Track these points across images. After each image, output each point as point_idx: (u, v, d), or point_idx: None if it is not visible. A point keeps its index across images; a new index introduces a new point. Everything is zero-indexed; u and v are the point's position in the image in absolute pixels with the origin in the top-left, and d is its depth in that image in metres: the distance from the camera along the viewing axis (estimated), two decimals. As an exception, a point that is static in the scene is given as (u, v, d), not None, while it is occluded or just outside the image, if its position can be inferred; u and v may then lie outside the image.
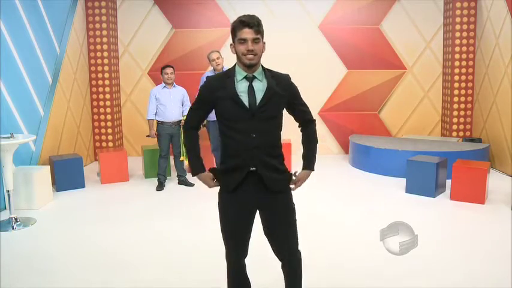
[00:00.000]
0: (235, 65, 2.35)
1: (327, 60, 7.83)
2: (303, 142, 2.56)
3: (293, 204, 2.45)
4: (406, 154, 6.02)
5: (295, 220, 2.45)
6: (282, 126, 2.43)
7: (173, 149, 5.95)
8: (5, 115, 5.03)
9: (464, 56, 7.34)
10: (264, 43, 2.30)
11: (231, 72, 2.34)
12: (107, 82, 7.56)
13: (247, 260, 2.54)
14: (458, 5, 7.21)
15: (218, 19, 7.72)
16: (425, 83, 7.89)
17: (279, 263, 2.52)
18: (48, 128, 6.08)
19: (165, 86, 5.81)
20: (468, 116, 7.51)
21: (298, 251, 2.48)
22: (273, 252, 2.49)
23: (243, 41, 2.23)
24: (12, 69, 5.24)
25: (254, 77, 2.30)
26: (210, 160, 6.66)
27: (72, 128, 6.89)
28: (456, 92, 7.44)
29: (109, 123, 7.71)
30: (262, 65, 2.35)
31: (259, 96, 2.29)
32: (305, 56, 7.65)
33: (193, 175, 2.49)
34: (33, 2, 5.73)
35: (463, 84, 7.42)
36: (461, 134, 7.55)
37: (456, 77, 7.41)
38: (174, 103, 5.77)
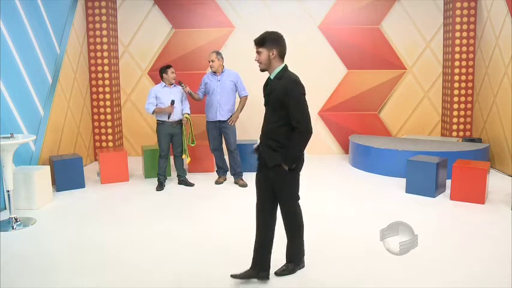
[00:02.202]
0: None
1: (327, 60, 7.83)
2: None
3: (286, 175, 3.07)
4: (406, 154, 6.02)
5: (286, 184, 3.14)
6: (286, 119, 3.00)
7: (173, 148, 5.95)
8: (5, 115, 5.03)
9: (464, 56, 7.34)
10: (273, 51, 3.03)
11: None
12: (106, 82, 7.56)
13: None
14: (458, 5, 7.21)
15: (218, 19, 7.71)
16: (425, 83, 7.89)
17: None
18: (48, 128, 6.08)
19: (165, 86, 5.81)
20: (468, 116, 7.51)
21: (290, 205, 3.22)
22: None
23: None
24: (12, 69, 5.24)
25: (271, 78, 3.14)
26: (210, 160, 6.66)
27: (72, 128, 6.89)
28: (456, 92, 7.43)
29: (109, 123, 7.71)
30: (282, 69, 3.10)
31: None
32: (305, 56, 7.64)
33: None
34: (33, 2, 5.73)
35: (463, 84, 7.41)
36: (461, 134, 7.55)
37: (456, 77, 7.40)
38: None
